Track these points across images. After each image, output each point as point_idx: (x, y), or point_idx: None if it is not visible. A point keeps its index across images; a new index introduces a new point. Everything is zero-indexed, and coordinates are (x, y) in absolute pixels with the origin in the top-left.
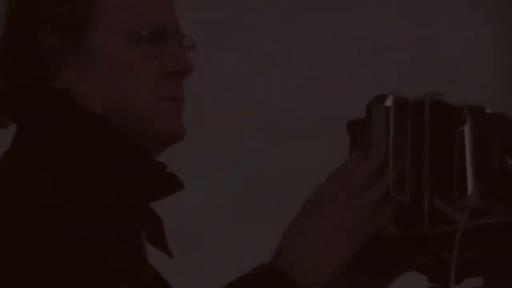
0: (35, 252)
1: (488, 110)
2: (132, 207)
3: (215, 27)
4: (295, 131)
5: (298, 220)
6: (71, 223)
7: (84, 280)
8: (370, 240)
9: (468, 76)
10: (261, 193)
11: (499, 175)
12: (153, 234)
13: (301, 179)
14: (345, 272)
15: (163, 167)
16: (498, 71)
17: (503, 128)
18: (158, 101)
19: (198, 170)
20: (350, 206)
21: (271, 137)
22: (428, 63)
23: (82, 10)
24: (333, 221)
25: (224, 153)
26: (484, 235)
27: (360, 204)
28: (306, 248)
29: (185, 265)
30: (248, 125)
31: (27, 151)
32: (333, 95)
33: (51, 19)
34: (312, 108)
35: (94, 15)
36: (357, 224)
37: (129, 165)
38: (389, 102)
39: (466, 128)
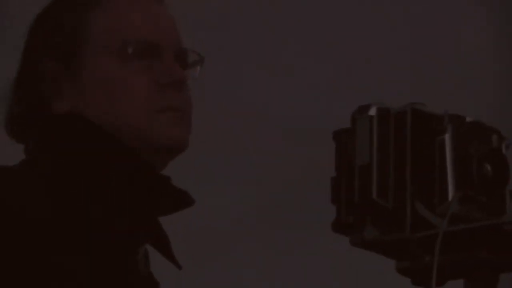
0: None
1: (468, 119)
2: (126, 222)
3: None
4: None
5: None
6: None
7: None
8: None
9: (468, 76)
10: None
11: (479, 182)
12: (161, 247)
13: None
14: None
15: (167, 182)
16: (498, 71)
17: (482, 137)
18: (154, 113)
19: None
20: None
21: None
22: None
23: (73, 38)
24: None
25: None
26: (465, 239)
27: None
28: None
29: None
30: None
31: (32, 167)
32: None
33: (47, 49)
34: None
35: (86, 40)
36: None
37: (133, 180)
38: (372, 111)
39: (447, 136)
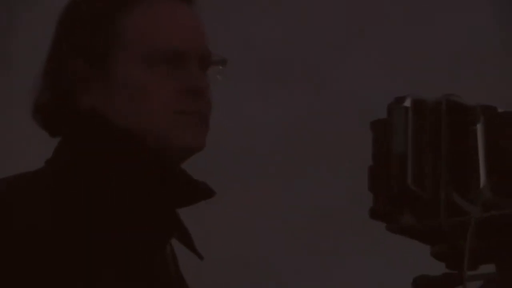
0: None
1: (499, 110)
2: (147, 218)
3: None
4: None
5: None
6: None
7: None
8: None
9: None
10: None
11: (510, 170)
12: (183, 239)
13: None
14: None
15: (184, 174)
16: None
17: None
18: (174, 115)
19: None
20: None
21: None
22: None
23: (106, 41)
24: None
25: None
26: (496, 226)
27: None
28: None
29: None
30: None
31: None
32: None
33: (79, 48)
34: None
35: (117, 44)
36: None
37: (149, 175)
38: (407, 102)
39: (479, 126)
